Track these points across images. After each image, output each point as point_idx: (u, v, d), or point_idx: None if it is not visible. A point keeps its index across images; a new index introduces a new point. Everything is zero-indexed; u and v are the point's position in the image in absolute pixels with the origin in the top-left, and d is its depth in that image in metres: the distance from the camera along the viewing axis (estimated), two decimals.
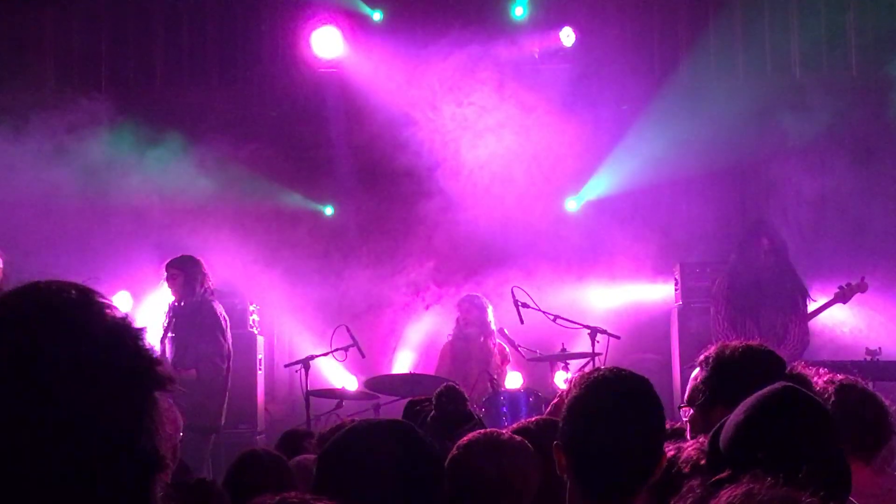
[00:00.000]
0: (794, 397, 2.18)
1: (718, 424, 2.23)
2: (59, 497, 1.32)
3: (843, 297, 7.86)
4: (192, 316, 7.62)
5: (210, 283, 7.76)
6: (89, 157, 8.95)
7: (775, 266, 7.83)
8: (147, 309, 8.41)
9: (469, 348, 8.37)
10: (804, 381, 2.94)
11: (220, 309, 7.76)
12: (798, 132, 9.51)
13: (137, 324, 1.44)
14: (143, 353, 1.43)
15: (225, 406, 7.73)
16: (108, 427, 1.36)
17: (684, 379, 6.98)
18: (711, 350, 3.31)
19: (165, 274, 7.73)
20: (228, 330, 7.80)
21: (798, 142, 9.53)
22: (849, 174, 9.46)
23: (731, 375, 3.14)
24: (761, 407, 2.16)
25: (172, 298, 7.71)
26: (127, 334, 1.43)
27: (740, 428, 2.15)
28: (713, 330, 7.80)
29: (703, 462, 2.42)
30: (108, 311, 1.44)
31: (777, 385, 2.20)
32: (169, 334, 7.60)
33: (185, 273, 7.68)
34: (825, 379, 3.42)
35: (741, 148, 9.62)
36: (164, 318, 7.67)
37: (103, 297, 1.45)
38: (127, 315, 1.44)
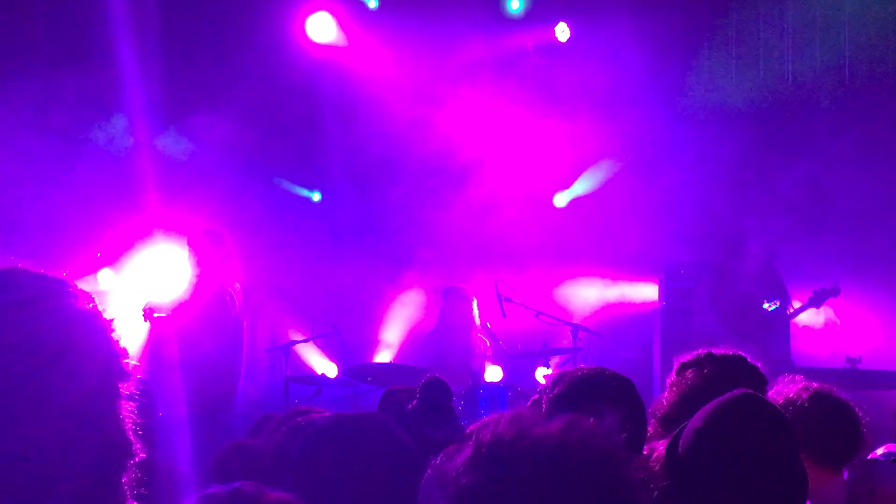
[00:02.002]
0: (753, 405, 2.17)
1: (678, 430, 2.23)
2: (32, 478, 1.32)
3: (816, 301, 7.93)
4: (204, 295, 7.48)
5: (228, 263, 7.60)
6: (75, 131, 8.88)
7: (762, 276, 7.82)
8: (128, 287, 8.35)
9: (451, 340, 8.36)
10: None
11: (231, 290, 7.61)
12: (788, 134, 9.52)
13: (107, 315, 1.47)
14: (112, 345, 1.46)
15: (232, 387, 7.59)
16: (81, 413, 1.38)
17: (664, 379, 6.99)
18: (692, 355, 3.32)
19: (185, 249, 7.59)
20: (237, 311, 7.65)
21: (788, 145, 9.54)
22: (838, 177, 9.45)
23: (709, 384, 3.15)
24: (720, 414, 2.16)
25: (183, 275, 7.55)
26: (98, 325, 1.45)
27: (699, 434, 2.15)
28: (694, 334, 7.78)
29: None
30: (80, 301, 1.48)
31: (737, 392, 2.19)
32: (180, 313, 7.44)
33: (202, 250, 7.54)
34: (800, 386, 3.41)
35: (732, 148, 9.62)
36: (179, 296, 7.51)
37: (76, 287, 1.47)
38: (97, 305, 1.46)
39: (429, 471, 1.52)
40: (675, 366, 3.33)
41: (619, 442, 1.53)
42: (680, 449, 2.18)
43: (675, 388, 3.20)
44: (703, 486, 2.11)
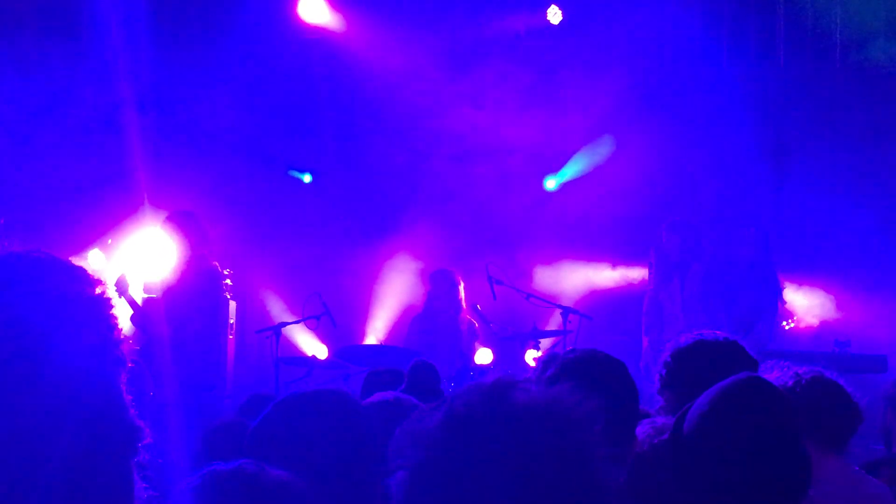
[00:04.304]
0: (759, 389, 2.18)
1: (681, 412, 2.23)
2: (21, 456, 1.32)
3: None
4: (189, 274, 7.42)
5: (209, 241, 7.55)
6: (62, 110, 8.82)
7: (757, 260, 7.80)
8: (119, 267, 8.32)
9: (437, 323, 8.35)
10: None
11: (217, 268, 7.55)
12: (778, 120, 9.53)
13: (113, 302, 1.48)
14: (113, 331, 1.46)
15: (219, 367, 7.54)
16: (71, 393, 1.38)
17: (652, 363, 6.99)
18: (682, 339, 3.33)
19: (165, 229, 7.53)
20: (223, 291, 7.59)
21: (777, 129, 9.55)
22: (830, 165, 9.46)
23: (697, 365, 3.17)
24: (726, 397, 2.16)
25: (168, 255, 7.50)
26: (108, 311, 1.46)
27: (706, 419, 2.15)
28: (681, 309, 7.77)
29: (655, 441, 2.43)
30: (87, 286, 1.47)
31: (742, 376, 2.20)
32: (167, 293, 7.37)
33: (184, 229, 7.48)
34: (791, 372, 3.43)
35: (722, 133, 9.62)
36: (165, 275, 7.45)
37: (87, 272, 1.48)
38: (104, 291, 1.47)
39: (405, 424, 1.52)
40: (668, 354, 3.31)
41: (591, 416, 1.51)
42: (685, 432, 2.18)
43: (679, 378, 3.20)
44: (709, 469, 2.12)
